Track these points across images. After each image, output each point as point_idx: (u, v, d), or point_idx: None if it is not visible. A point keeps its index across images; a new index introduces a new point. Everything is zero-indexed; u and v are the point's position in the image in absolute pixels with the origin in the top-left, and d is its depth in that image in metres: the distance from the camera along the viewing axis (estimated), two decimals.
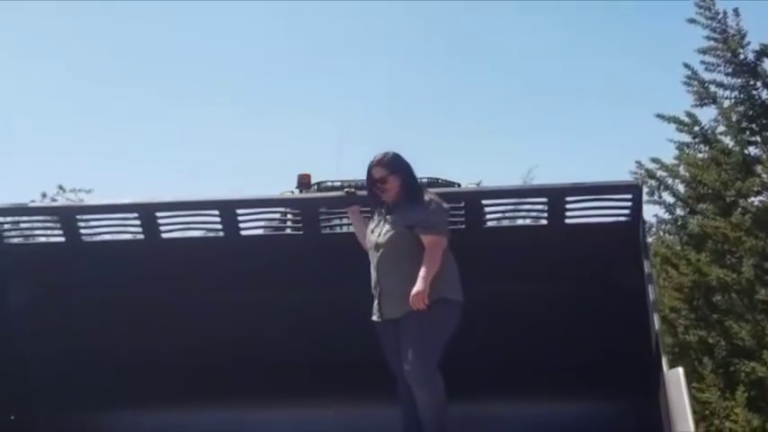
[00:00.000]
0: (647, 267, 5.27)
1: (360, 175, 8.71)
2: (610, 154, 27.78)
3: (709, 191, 8.49)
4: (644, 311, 5.14)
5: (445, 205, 5.34)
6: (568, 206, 5.41)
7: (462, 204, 5.56)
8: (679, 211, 9.13)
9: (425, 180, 8.12)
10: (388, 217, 5.37)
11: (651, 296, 5.17)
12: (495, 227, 5.72)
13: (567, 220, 5.46)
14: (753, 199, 8.35)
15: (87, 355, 5.69)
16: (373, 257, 5.35)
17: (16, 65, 26.51)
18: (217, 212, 5.58)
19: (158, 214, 5.53)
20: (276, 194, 6.73)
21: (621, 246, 5.31)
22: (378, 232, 5.38)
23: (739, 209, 8.26)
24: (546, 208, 5.46)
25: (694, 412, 8.76)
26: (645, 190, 9.14)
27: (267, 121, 30.32)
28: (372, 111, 29.60)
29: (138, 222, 5.54)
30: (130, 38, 27.92)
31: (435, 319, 5.10)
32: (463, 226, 5.57)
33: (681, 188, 9.03)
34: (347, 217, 5.87)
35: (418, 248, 5.14)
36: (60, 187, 13.83)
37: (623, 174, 9.42)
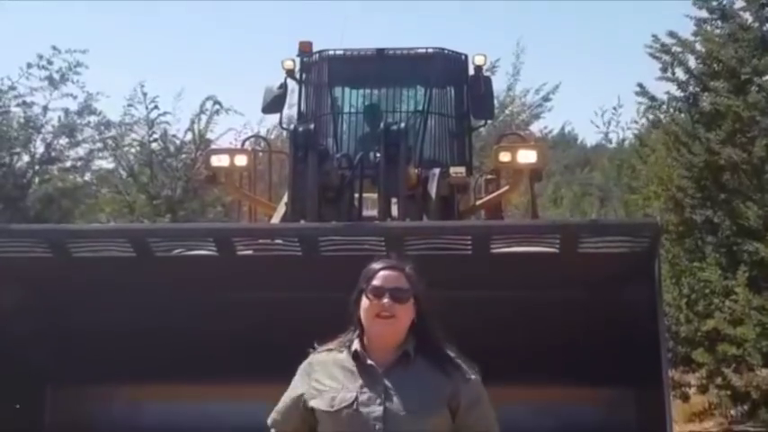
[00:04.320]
0: (659, 301, 5.13)
1: (365, 44, 8.54)
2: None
3: (725, 68, 8.28)
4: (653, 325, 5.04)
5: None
6: (582, 242, 5.19)
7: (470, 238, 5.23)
8: (692, 89, 8.93)
9: (431, 50, 7.92)
10: (387, 383, 2.79)
11: (660, 317, 5.09)
12: (503, 252, 5.37)
13: (581, 250, 5.24)
14: None
15: (88, 344, 5.59)
16: None
17: None
18: (212, 240, 5.38)
19: (150, 239, 5.33)
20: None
21: (634, 272, 5.13)
22: (370, 408, 2.76)
23: (754, 87, 8.09)
24: (558, 243, 5.23)
25: (694, 291, 8.92)
26: (658, 66, 9.00)
27: None
28: None
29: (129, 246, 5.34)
30: None
31: None
32: (470, 252, 5.31)
33: (695, 65, 8.82)
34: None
35: None
36: (54, 48, 13.67)
37: (638, 50, 9.15)
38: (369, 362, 2.79)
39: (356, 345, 2.82)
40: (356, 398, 2.77)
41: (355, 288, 2.91)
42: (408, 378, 2.80)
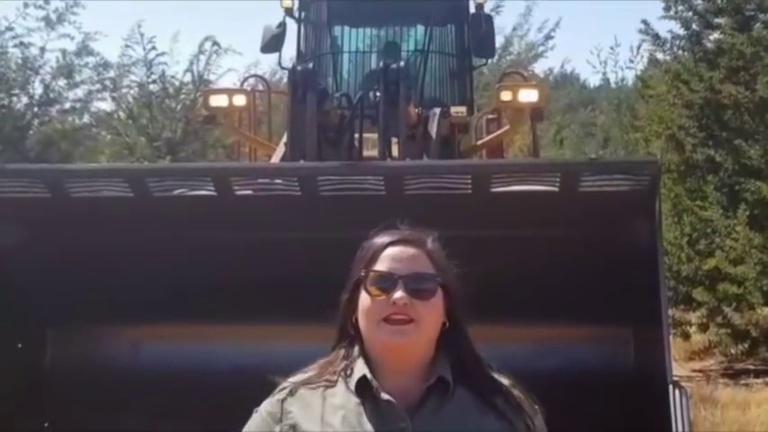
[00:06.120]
0: (659, 240, 5.12)
1: None
2: None
3: (729, 4, 8.19)
4: (653, 263, 5.03)
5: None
6: (582, 181, 5.16)
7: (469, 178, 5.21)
8: (695, 26, 8.84)
9: None
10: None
11: (660, 256, 5.08)
12: (503, 191, 5.35)
13: (581, 189, 5.23)
14: None
15: (89, 284, 5.59)
16: None
17: None
18: (210, 179, 5.34)
19: (147, 179, 5.28)
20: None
21: (634, 211, 5.12)
22: None
23: (759, 24, 8.01)
24: (558, 181, 5.20)
25: (695, 230, 8.92)
26: (661, 6, 8.89)
27: None
28: None
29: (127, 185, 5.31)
30: None
31: None
32: (470, 191, 5.29)
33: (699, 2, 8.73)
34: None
35: None
36: None
37: None
38: (384, 396, 1.68)
39: (361, 369, 1.72)
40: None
41: (349, 276, 1.77)
42: (449, 423, 1.69)
